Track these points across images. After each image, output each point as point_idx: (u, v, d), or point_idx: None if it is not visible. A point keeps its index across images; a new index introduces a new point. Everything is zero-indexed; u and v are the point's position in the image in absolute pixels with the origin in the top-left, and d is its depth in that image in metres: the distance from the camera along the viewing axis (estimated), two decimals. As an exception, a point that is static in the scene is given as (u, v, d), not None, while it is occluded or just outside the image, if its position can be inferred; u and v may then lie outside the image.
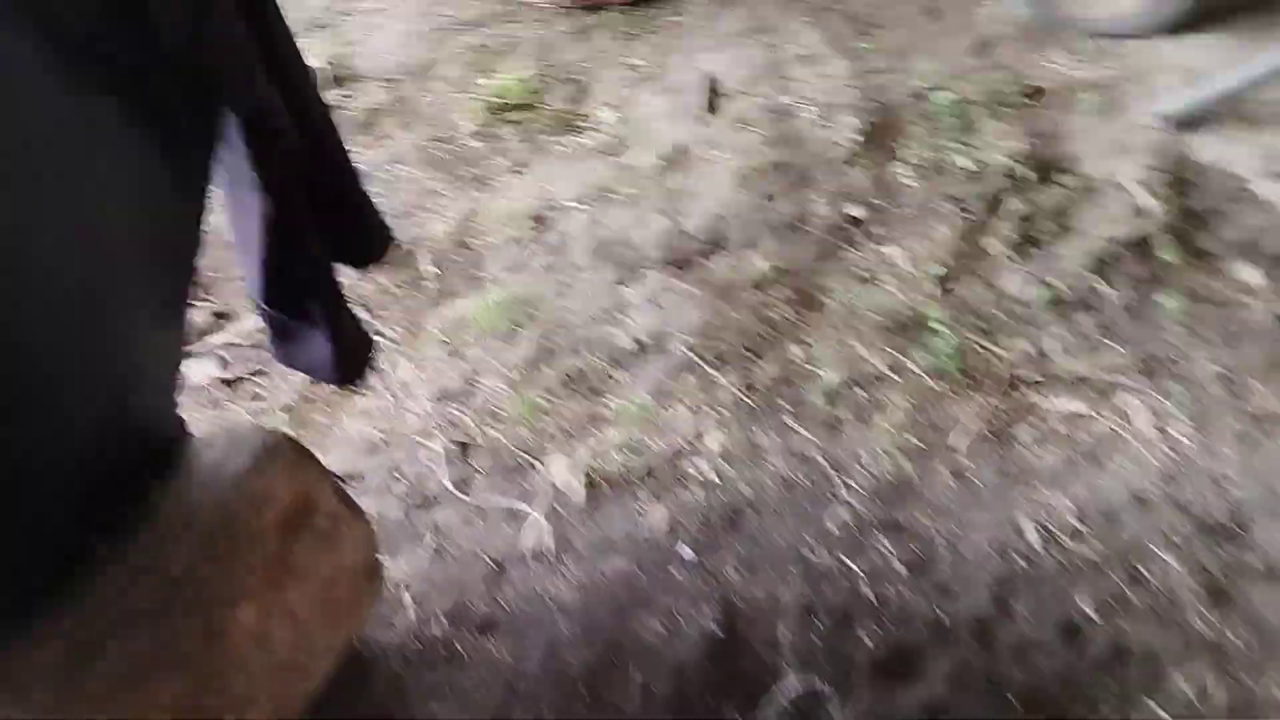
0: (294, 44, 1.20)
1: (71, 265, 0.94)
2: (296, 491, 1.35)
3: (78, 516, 1.11)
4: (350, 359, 1.50)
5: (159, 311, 1.18)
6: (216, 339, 2.26)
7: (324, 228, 1.33)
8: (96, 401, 1.06)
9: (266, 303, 1.34)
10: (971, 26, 2.89)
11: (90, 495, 1.12)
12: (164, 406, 1.29)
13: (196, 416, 2.08)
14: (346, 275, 1.60)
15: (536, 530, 1.82)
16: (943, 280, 2.24)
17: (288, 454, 1.36)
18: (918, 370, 2.07)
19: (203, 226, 1.19)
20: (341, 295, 1.42)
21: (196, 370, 2.19)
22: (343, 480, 1.92)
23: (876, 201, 2.41)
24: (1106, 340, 2.11)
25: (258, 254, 1.26)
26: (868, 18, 2.96)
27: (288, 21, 1.16)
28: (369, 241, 1.47)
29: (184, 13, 0.96)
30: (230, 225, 1.27)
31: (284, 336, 1.44)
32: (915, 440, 1.95)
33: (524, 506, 1.86)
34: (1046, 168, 2.43)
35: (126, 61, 0.94)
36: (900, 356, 2.10)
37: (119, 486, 1.17)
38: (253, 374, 2.19)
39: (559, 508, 1.86)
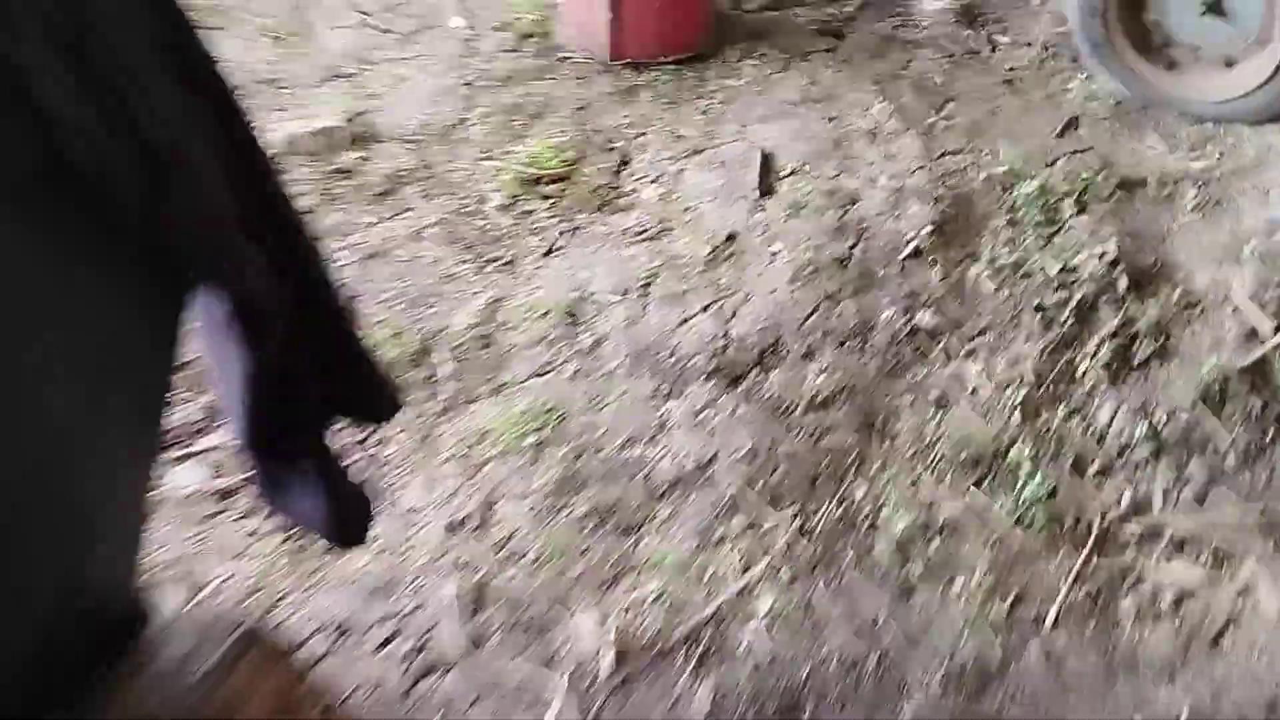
0: (285, 194, 1.01)
1: (27, 418, 0.82)
2: (271, 696, 1.17)
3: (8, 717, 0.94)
4: (345, 521, 1.31)
5: (121, 470, 1.02)
6: (206, 440, 2.02)
7: (319, 384, 1.17)
8: (46, 569, 0.90)
9: (251, 448, 1.16)
10: (1057, 103, 2.63)
11: (25, 689, 0.93)
12: (122, 582, 1.11)
13: (181, 535, 1.86)
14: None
15: (558, 713, 1.56)
16: (1026, 406, 1.97)
17: (262, 650, 1.18)
18: (1000, 517, 1.80)
19: (171, 380, 1.05)
20: (334, 453, 1.22)
21: (184, 477, 1.95)
22: (338, 632, 1.70)
23: (950, 308, 2.14)
24: (1220, 490, 1.83)
25: (240, 404, 1.09)
26: (941, 88, 2.70)
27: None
28: (371, 403, 1.25)
29: (142, 184, 0.82)
30: (209, 364, 1.10)
31: (272, 484, 1.25)
32: (999, 609, 1.68)
33: (544, 677, 1.61)
34: (1144, 275, 2.16)
35: (80, 220, 0.82)
36: (979, 498, 1.83)
37: (62, 681, 0.99)
38: (246, 482, 1.95)
39: (584, 680, 1.60)
